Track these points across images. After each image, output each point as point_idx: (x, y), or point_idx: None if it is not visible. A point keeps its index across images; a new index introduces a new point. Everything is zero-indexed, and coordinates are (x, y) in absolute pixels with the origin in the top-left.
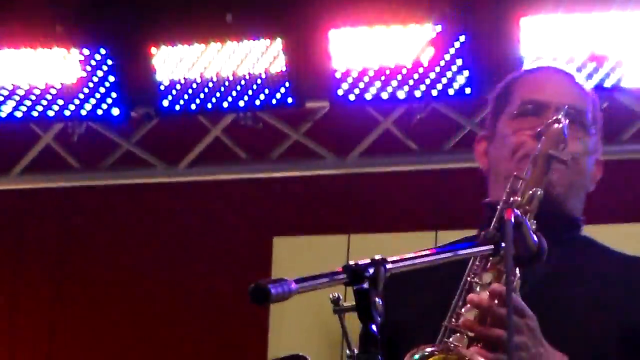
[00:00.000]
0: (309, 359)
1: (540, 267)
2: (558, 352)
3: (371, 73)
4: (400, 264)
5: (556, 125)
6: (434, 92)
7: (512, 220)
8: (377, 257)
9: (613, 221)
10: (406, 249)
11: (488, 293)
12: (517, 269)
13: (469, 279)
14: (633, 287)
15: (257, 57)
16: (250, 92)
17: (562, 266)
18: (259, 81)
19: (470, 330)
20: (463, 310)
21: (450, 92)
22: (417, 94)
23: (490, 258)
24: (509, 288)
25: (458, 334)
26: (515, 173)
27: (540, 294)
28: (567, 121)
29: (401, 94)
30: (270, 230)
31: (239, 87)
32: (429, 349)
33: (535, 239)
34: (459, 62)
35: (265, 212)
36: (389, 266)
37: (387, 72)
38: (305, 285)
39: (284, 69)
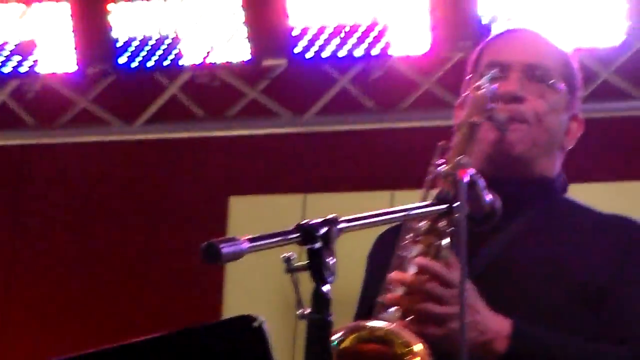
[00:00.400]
0: (261, 318)
1: (508, 229)
2: (499, 316)
3: (329, 31)
4: (353, 223)
5: (479, 92)
6: (392, 50)
7: (466, 179)
8: (330, 216)
9: None
10: (362, 209)
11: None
12: (449, 240)
13: (399, 252)
14: (602, 248)
15: (215, 14)
16: (207, 49)
17: (528, 228)
18: (216, 38)
19: (396, 305)
20: (392, 285)
21: (408, 50)
22: (374, 51)
23: (421, 230)
24: (461, 250)
25: (393, 309)
26: (440, 143)
27: (501, 256)
28: (494, 85)
29: (358, 52)
30: (226, 190)
31: (196, 44)
32: (356, 325)
33: (489, 198)
34: (418, 20)
35: (221, 171)
36: (341, 225)
37: (345, 29)
38: (257, 245)
39: (241, 26)
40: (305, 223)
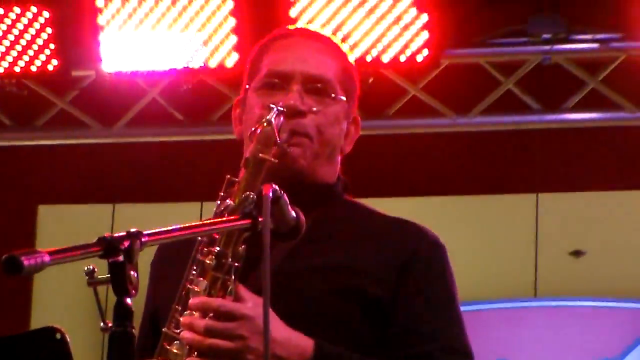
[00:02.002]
0: (63, 330)
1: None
2: (301, 337)
3: (140, 43)
4: (157, 237)
5: (267, 126)
6: (194, 65)
7: (270, 195)
8: (133, 230)
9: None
10: (171, 220)
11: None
12: (232, 272)
13: (187, 284)
14: (383, 255)
15: (24, 24)
16: (15, 58)
17: (307, 237)
18: (24, 47)
19: (189, 344)
20: (182, 318)
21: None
22: (179, 65)
23: (206, 262)
24: (265, 267)
25: (179, 342)
26: (228, 176)
27: (279, 268)
28: (280, 120)
29: (165, 66)
30: (36, 199)
31: (3, 53)
32: None
33: (294, 214)
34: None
35: (30, 180)
36: (144, 239)
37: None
38: (58, 258)
39: (51, 37)
40: (107, 236)
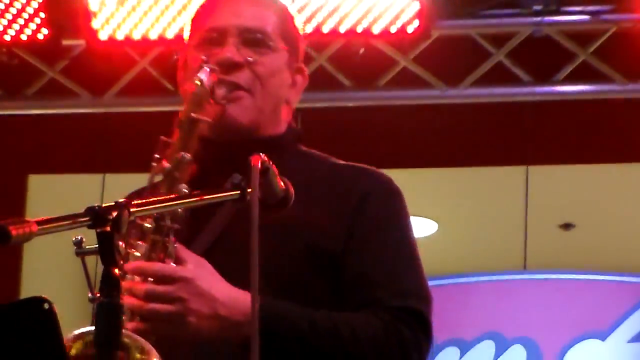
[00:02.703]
0: (50, 300)
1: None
2: (245, 295)
3: (130, 12)
4: (145, 207)
5: (197, 84)
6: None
7: (259, 166)
8: (121, 200)
9: None
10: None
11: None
12: (171, 234)
13: (127, 249)
14: (334, 205)
15: None
16: (1, 27)
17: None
18: (13, 17)
19: (130, 310)
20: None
21: None
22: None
23: (145, 225)
24: (254, 239)
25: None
26: (162, 137)
27: (228, 226)
28: (215, 76)
29: (154, 34)
30: (25, 168)
31: None
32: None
33: (282, 185)
34: None
35: (20, 149)
36: (133, 209)
37: (148, 9)
38: (47, 227)
39: (40, 6)
40: (95, 206)
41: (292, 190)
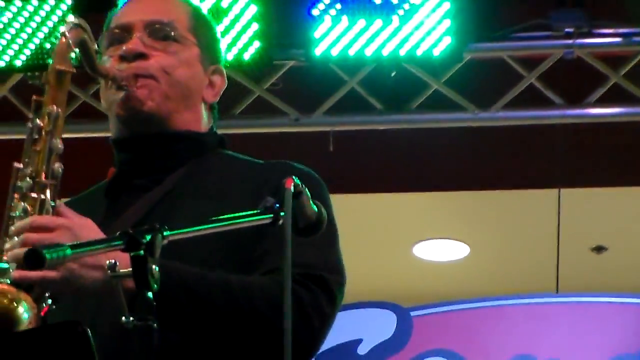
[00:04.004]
0: (82, 324)
1: (156, 190)
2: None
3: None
4: (178, 231)
5: (61, 39)
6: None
7: (292, 189)
8: (156, 224)
9: None
10: None
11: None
12: (50, 187)
13: (8, 213)
14: (247, 198)
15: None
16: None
17: (178, 186)
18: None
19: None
20: (7, 244)
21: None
22: None
23: (23, 185)
24: (286, 264)
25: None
26: (34, 97)
27: (147, 218)
28: (74, 36)
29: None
30: None
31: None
32: None
33: (315, 208)
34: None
35: None
36: (166, 233)
37: None
38: (81, 251)
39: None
40: (129, 230)
41: (324, 213)
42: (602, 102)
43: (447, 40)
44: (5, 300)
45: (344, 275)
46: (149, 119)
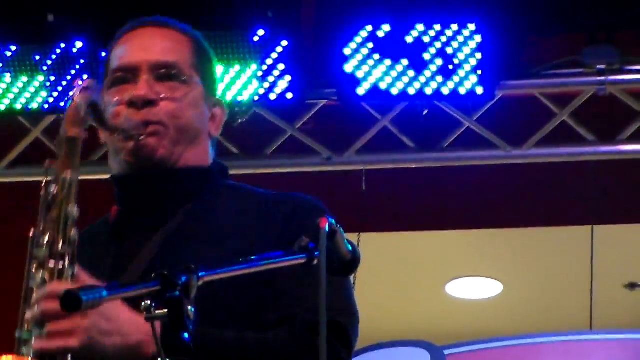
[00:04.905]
0: None
1: (166, 227)
2: (141, 316)
3: None
4: (213, 271)
5: (71, 104)
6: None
7: (327, 229)
8: (191, 265)
9: None
10: None
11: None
12: (68, 256)
13: (29, 285)
14: (263, 231)
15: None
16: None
17: (187, 222)
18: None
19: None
20: (27, 314)
21: (272, 96)
22: None
23: (40, 254)
24: (322, 303)
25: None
26: (47, 160)
27: (160, 256)
28: (83, 100)
29: None
30: None
31: None
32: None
33: (349, 247)
34: (281, 66)
35: None
36: (201, 274)
37: None
38: (116, 293)
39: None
40: (164, 272)
41: (359, 253)
42: (634, 138)
43: (479, 78)
44: None
45: (357, 314)
46: (158, 161)
